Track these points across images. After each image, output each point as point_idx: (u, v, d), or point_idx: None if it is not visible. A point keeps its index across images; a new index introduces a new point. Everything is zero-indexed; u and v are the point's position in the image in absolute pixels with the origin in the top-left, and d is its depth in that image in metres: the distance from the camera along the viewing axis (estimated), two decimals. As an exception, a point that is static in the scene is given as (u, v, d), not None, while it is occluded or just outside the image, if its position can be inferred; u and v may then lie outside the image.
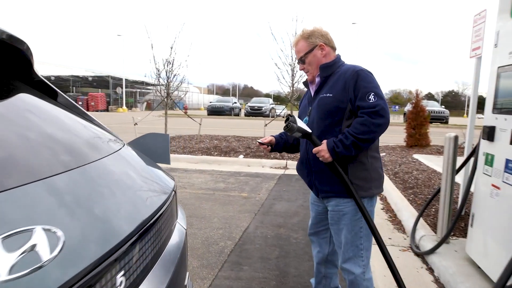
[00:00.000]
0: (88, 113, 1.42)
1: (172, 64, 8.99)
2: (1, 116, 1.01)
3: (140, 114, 18.59)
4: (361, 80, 1.85)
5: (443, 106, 29.75)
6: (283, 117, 2.17)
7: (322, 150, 1.83)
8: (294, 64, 9.35)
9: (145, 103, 43.21)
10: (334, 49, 2.08)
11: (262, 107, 28.35)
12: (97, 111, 35.02)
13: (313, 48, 2.00)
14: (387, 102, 1.84)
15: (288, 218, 4.29)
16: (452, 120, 27.77)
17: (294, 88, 9.58)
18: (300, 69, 2.11)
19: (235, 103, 32.33)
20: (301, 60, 2.05)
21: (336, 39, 2.12)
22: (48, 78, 41.39)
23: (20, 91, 1.25)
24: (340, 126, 1.90)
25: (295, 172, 6.93)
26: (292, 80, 9.53)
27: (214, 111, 29.58)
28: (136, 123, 9.56)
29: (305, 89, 2.25)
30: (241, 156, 7.97)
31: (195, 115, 15.27)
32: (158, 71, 8.93)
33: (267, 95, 37.97)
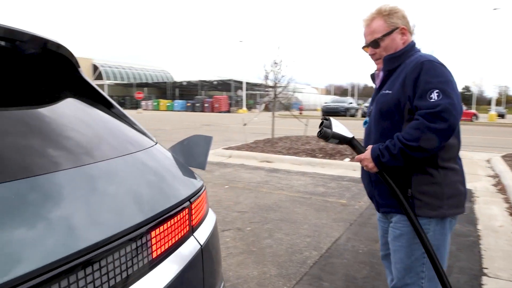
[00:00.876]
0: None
1: (280, 65, 9.02)
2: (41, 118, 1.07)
3: (257, 115, 19.36)
4: (424, 73, 1.47)
5: None
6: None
7: (365, 159, 1.57)
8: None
9: (263, 105, 45.02)
10: (411, 35, 1.72)
11: (381, 107, 26.49)
12: (220, 112, 37.92)
13: (393, 31, 1.65)
14: (460, 102, 1.45)
15: (387, 232, 3.78)
16: None
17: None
18: (370, 54, 1.74)
19: (351, 103, 31.05)
20: (375, 43, 1.68)
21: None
22: (180, 83, 46.94)
23: (66, 96, 1.29)
24: (400, 129, 1.55)
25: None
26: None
27: (329, 112, 28.95)
28: (245, 124, 9.90)
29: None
30: (347, 159, 7.50)
31: (309, 116, 15.14)
32: (266, 72, 9.07)
33: (388, 95, 35.39)
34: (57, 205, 0.77)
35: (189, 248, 1.03)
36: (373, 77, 1.83)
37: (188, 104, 41.03)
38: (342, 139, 1.60)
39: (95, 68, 53.53)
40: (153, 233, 0.88)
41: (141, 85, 51.11)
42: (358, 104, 35.07)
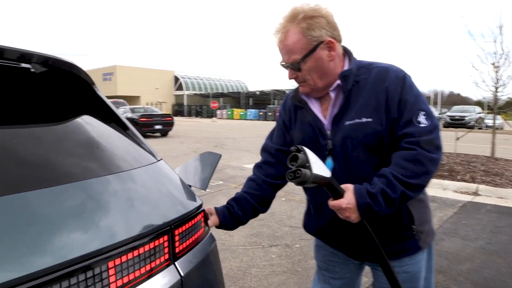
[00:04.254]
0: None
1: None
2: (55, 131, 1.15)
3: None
4: (407, 92, 1.20)
5: None
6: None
7: (347, 208, 1.13)
8: (499, 63, 7.46)
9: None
10: (340, 43, 1.32)
11: (465, 117, 24.05)
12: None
13: (317, 47, 1.23)
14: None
15: (455, 262, 3.31)
16: None
17: (498, 93, 7.66)
18: (290, 78, 1.33)
19: (431, 112, 28.63)
20: (295, 66, 1.27)
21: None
22: (254, 93, 48.04)
23: (83, 113, 1.32)
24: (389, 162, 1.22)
25: (487, 200, 5.48)
26: (496, 83, 7.61)
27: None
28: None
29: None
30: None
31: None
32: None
33: (478, 103, 32.17)
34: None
35: (165, 280, 0.94)
36: (298, 98, 1.38)
37: (261, 113, 41.70)
38: (320, 182, 1.07)
39: (176, 79, 57.33)
40: (110, 264, 0.82)
41: (217, 95, 53.38)
42: (439, 113, 32.36)
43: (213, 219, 1.36)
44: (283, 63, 1.30)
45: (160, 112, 18.57)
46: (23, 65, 1.28)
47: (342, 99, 1.26)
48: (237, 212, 1.40)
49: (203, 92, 56.04)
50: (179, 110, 52.41)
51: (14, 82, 1.35)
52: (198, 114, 48.68)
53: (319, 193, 1.31)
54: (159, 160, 1.28)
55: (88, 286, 0.77)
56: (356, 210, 1.13)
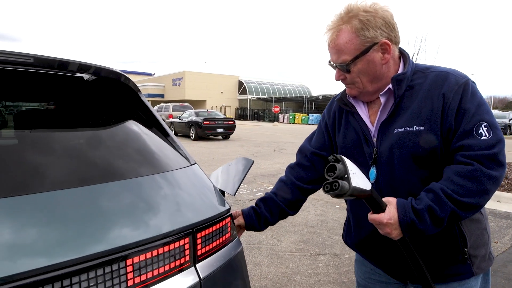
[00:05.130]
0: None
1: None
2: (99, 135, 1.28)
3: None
4: (468, 100, 1.08)
5: None
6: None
7: (388, 224, 1.04)
8: None
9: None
10: (398, 45, 1.21)
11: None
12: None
13: (370, 48, 1.14)
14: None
15: (526, 287, 2.97)
16: None
17: None
18: (337, 79, 1.25)
19: (514, 119, 25.86)
20: (343, 67, 1.19)
21: None
22: (316, 97, 47.43)
23: (129, 118, 1.44)
24: (439, 176, 1.11)
25: None
26: None
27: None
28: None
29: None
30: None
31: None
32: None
33: None
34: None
35: (183, 281, 0.98)
36: (344, 101, 1.31)
37: (323, 118, 41.13)
38: (359, 195, 0.98)
39: (240, 84, 58.77)
40: (129, 261, 0.88)
41: (279, 100, 53.68)
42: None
43: (239, 220, 1.39)
44: (331, 62, 1.23)
45: (222, 116, 19.17)
46: (78, 74, 1.43)
47: (393, 104, 1.17)
48: (264, 213, 1.39)
49: (266, 96, 56.72)
50: (242, 114, 53.62)
51: (74, 90, 1.51)
52: (261, 118, 49.33)
53: (360, 203, 1.23)
54: (192, 164, 1.34)
55: (105, 280, 0.84)
56: (398, 226, 1.04)
